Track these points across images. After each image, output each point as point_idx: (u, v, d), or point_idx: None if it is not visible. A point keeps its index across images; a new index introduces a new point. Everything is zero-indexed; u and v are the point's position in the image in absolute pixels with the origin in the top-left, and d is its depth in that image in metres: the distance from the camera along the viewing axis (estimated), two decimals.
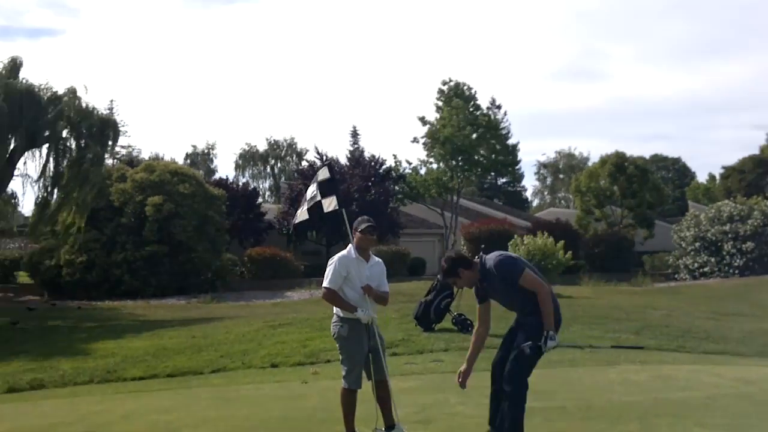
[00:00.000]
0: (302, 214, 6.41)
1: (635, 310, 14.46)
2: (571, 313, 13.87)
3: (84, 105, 22.97)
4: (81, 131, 22.99)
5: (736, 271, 30.20)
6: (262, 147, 78.64)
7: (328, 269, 5.67)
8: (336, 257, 5.72)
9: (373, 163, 36.37)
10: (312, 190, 6.33)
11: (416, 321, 11.90)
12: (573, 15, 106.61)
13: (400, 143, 74.84)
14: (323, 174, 6.36)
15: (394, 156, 48.53)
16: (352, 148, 44.20)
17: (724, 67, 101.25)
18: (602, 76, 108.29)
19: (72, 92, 22.75)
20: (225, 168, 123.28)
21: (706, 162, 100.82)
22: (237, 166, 78.20)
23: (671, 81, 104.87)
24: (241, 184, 38.97)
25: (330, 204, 6.19)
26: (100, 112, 23.99)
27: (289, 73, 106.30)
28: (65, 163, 23.02)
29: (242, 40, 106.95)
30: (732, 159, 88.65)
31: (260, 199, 40.35)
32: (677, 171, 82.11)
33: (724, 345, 10.75)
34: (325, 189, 6.25)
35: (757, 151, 43.26)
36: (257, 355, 10.93)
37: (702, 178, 77.88)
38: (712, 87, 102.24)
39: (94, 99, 65.33)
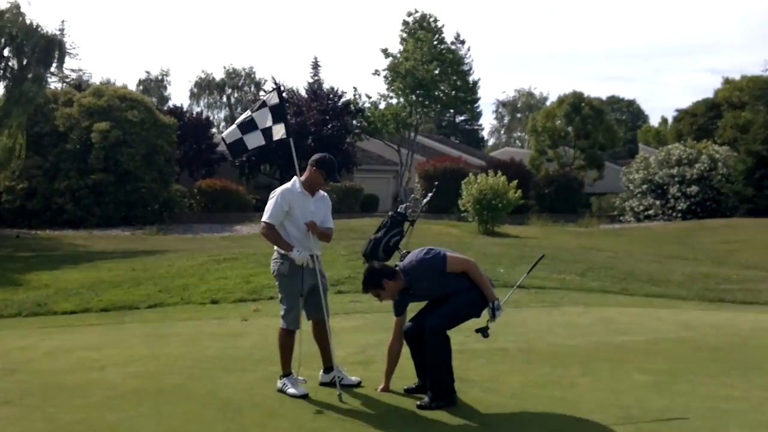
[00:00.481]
0: (256, 138, 5.95)
1: (581, 252, 14.58)
2: (518, 252, 13.95)
3: (28, 22, 21.74)
4: (23, 50, 21.79)
5: (680, 215, 30.80)
6: (219, 75, 76.40)
7: (269, 203, 5.40)
8: (278, 190, 5.45)
9: (331, 96, 35.65)
10: (259, 113, 5.88)
11: (364, 258, 11.70)
12: None
13: (362, 76, 74.08)
14: (273, 99, 6.01)
15: (354, 89, 47.58)
16: (312, 81, 43.09)
17: (684, 10, 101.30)
18: (565, 15, 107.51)
19: (16, 7, 21.49)
20: (179, 96, 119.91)
21: (660, 105, 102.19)
22: (192, 95, 76.01)
23: (632, 24, 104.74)
24: (195, 113, 37.81)
25: (279, 131, 5.86)
26: (46, 31, 22.73)
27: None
28: (4, 83, 21.91)
29: None
30: (685, 103, 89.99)
31: (214, 130, 39.34)
32: (631, 113, 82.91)
33: (666, 288, 10.90)
34: (275, 115, 5.87)
35: (711, 95, 43.57)
36: (198, 290, 10.65)
37: (655, 121, 78.95)
38: (672, 30, 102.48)
39: (42, 17, 62.13)
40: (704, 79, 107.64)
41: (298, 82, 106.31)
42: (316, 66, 63.23)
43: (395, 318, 5.12)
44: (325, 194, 5.67)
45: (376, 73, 39.12)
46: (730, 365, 5.70)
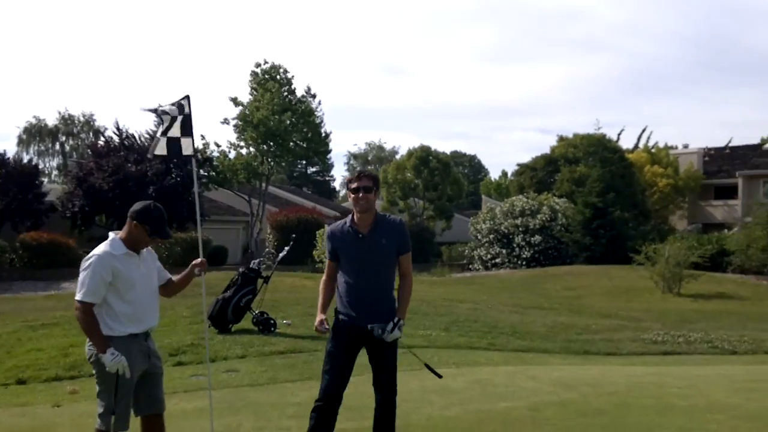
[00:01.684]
0: (160, 146, 5.17)
1: (442, 304, 14.16)
2: None
3: None
4: None
5: (524, 263, 31.91)
6: (52, 121, 71.21)
7: (82, 274, 4.05)
8: (93, 256, 4.10)
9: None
10: (169, 120, 5.12)
11: (210, 321, 10.47)
12: (386, 14, 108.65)
13: (210, 124, 71.83)
14: (184, 108, 5.14)
15: (202, 137, 45.80)
16: (156, 128, 40.86)
17: (520, 74, 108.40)
18: (410, 74, 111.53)
19: None
20: (6, 143, 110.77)
21: (498, 160, 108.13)
22: (20, 142, 70.22)
23: (472, 83, 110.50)
24: (25, 161, 34.47)
25: (188, 146, 5.16)
26: None
27: (89, 42, 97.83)
28: None
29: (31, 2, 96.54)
30: (520, 159, 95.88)
31: (44, 179, 36.05)
32: (473, 167, 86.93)
33: (531, 341, 10.59)
34: (185, 127, 5.13)
35: (548, 151, 46.10)
36: (2, 367, 8.86)
37: (495, 174, 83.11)
38: (508, 92, 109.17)
39: None
40: (535, 137, 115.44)
41: (141, 128, 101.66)
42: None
43: (329, 262, 4.60)
44: (150, 249, 4.41)
45: (225, 121, 37.85)
46: None
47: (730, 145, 46.90)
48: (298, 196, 47.85)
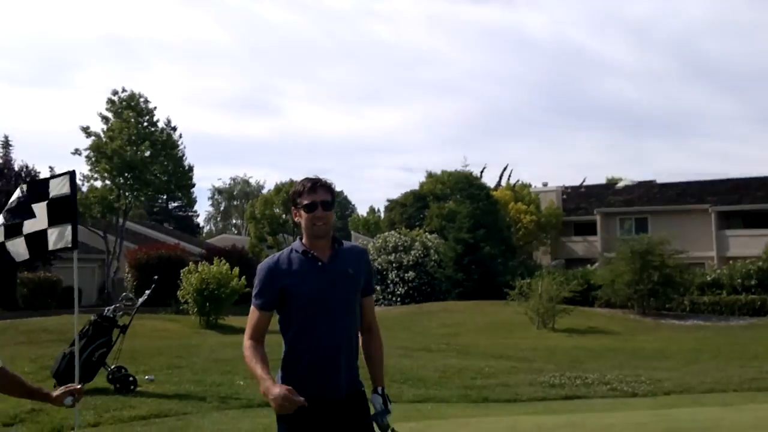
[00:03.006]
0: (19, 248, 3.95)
1: None
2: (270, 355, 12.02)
3: None
4: None
5: (398, 300, 31.57)
6: None
7: None
8: None
9: (23, 176, 30.82)
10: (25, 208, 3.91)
11: (56, 380, 8.83)
12: (247, 51, 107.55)
13: (60, 154, 66.46)
14: (59, 188, 3.72)
15: (51, 169, 42.34)
16: (1, 160, 37.30)
17: (380, 113, 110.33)
18: (275, 110, 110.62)
19: None
20: None
21: (365, 197, 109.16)
22: None
23: (336, 121, 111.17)
24: None
25: (60, 239, 4.05)
26: None
27: None
28: None
29: None
30: (385, 195, 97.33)
31: None
32: (339, 203, 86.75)
33: (426, 388, 9.77)
34: (59, 212, 4.00)
35: (414, 187, 46.55)
36: None
37: (362, 210, 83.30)
38: (371, 130, 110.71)
39: None
40: (398, 175, 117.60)
41: None
42: (7, 145, 55.91)
43: (258, 314, 3.19)
44: None
45: (77, 152, 35.05)
46: None
47: (585, 184, 49.35)
48: (159, 232, 45.18)
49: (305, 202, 3.11)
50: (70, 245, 3.95)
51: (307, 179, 3.19)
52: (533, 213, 42.26)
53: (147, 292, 9.80)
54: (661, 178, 45.25)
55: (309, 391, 2.92)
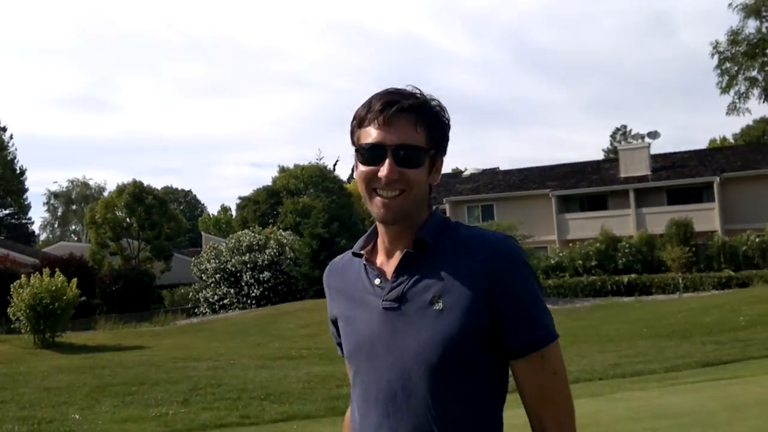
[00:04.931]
0: None
1: (175, 366, 11.95)
2: (96, 380, 10.70)
3: None
4: None
5: (254, 302, 30.47)
6: None
7: None
8: None
9: None
10: None
11: None
12: (84, 43, 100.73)
13: None
14: None
15: None
16: None
17: (226, 108, 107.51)
18: (115, 107, 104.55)
19: None
20: None
21: (215, 195, 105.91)
22: None
23: (181, 117, 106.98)
24: None
25: None
26: None
27: None
28: None
29: None
30: (236, 193, 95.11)
31: None
32: (188, 203, 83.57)
33: (288, 404, 8.99)
34: None
35: (267, 183, 45.47)
36: None
37: (213, 210, 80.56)
38: (217, 126, 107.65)
39: None
40: (249, 171, 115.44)
41: None
42: None
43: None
44: None
45: None
46: None
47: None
48: None
49: (363, 141, 1.54)
50: None
51: (384, 92, 1.55)
52: None
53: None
54: (504, 166, 47.09)
55: None
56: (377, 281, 1.55)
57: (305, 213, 37.28)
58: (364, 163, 1.53)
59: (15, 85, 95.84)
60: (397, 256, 1.54)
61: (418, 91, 1.55)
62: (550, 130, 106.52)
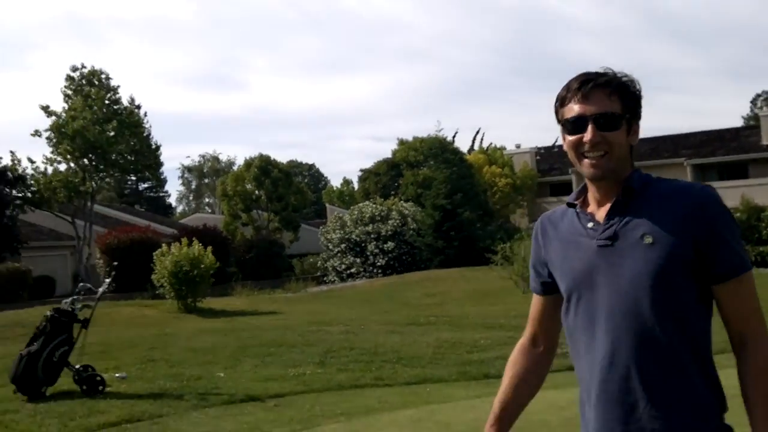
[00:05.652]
0: None
1: (309, 329, 12.43)
2: (237, 342, 11.33)
3: None
4: None
5: (379, 271, 31.00)
6: None
7: None
8: None
9: None
10: None
11: (15, 385, 8.05)
12: (209, 23, 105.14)
13: (20, 138, 64.35)
14: None
15: (12, 153, 40.88)
16: None
17: (347, 83, 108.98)
18: (240, 85, 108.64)
19: None
20: None
21: (337, 169, 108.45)
22: None
23: (303, 93, 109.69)
24: None
25: None
26: None
27: None
28: None
29: None
30: (357, 166, 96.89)
31: None
32: (312, 176, 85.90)
33: (421, 367, 9.17)
34: None
35: (387, 156, 45.81)
36: None
37: (335, 183, 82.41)
38: (339, 101, 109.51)
39: None
40: (369, 145, 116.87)
41: None
42: None
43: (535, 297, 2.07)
44: None
45: (37, 134, 33.61)
46: None
47: (558, 144, 49.00)
48: (130, 215, 43.93)
49: (567, 116, 1.83)
50: None
51: (580, 74, 1.84)
52: (508, 175, 41.86)
53: (106, 281, 8.99)
54: None
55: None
56: (590, 225, 1.84)
57: (426, 185, 37.29)
58: (570, 133, 1.83)
59: (148, 66, 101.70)
60: (607, 206, 1.82)
61: (610, 70, 1.84)
62: (684, 98, 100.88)
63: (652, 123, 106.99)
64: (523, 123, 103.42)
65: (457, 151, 43.44)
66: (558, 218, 1.95)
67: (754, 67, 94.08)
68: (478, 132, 50.58)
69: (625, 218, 1.77)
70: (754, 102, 65.94)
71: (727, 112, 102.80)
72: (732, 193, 32.38)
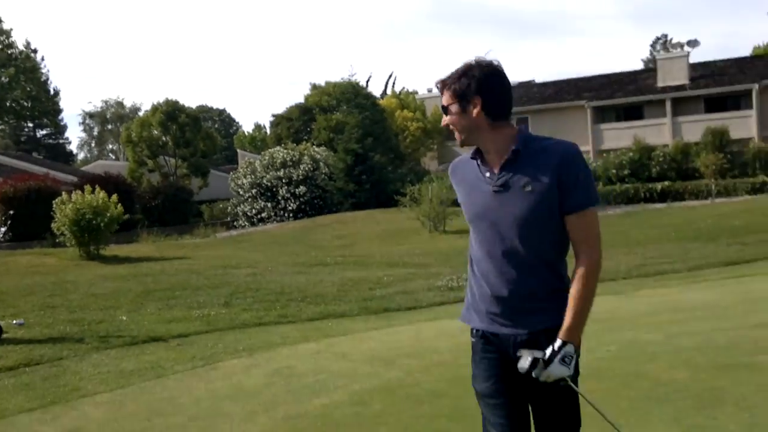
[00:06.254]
0: None
1: (215, 273, 12.49)
2: (141, 286, 11.27)
3: None
4: None
5: (291, 215, 31.12)
6: None
7: None
8: None
9: None
10: None
11: None
12: None
13: None
14: None
15: None
16: None
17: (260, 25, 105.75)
18: (131, 22, 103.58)
19: None
20: None
21: (248, 114, 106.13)
22: None
23: (219, 35, 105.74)
24: None
25: None
26: None
27: None
28: None
29: None
30: (271, 111, 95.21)
31: None
32: (223, 122, 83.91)
33: (324, 305, 9.44)
34: None
35: (302, 100, 45.15)
36: None
37: (248, 128, 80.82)
38: (251, 44, 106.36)
39: None
40: (284, 88, 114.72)
41: None
42: None
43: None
44: None
45: None
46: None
47: None
48: (27, 162, 41.85)
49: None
50: None
51: (437, 81, 2.56)
52: (419, 120, 42.20)
53: (2, 229, 8.81)
54: (540, 78, 46.16)
55: (481, 326, 2.55)
56: (487, 174, 2.47)
57: (339, 129, 37.25)
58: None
59: (45, 6, 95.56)
60: (499, 160, 2.45)
61: (453, 71, 2.49)
62: (589, 41, 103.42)
63: (561, 67, 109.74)
64: (438, 67, 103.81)
65: (369, 96, 43.35)
66: (464, 164, 2.59)
67: (656, 10, 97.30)
68: (390, 76, 50.57)
69: (512, 171, 2.41)
70: (653, 46, 68.48)
71: (630, 56, 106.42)
72: (627, 134, 33.94)
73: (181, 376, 5.95)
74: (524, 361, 2.32)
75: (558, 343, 2.31)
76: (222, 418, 4.73)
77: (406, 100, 44.43)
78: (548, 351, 2.31)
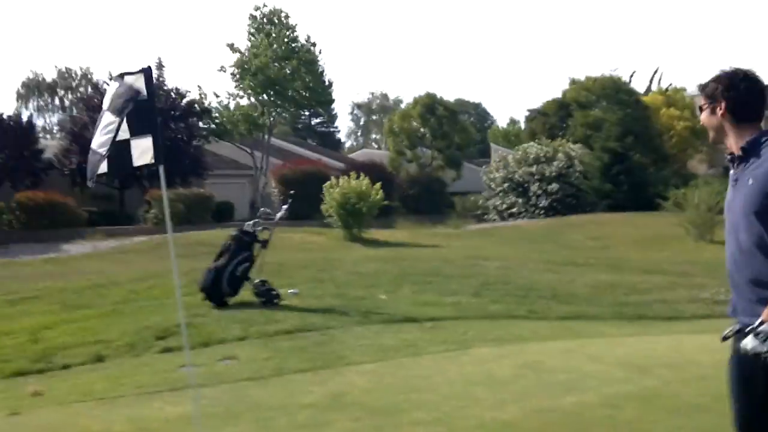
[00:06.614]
0: (99, 164, 3.75)
1: (466, 263, 12.84)
2: (398, 269, 11.97)
3: None
4: None
5: (542, 212, 30.67)
6: (50, 76, 69.46)
7: None
8: None
9: (174, 96, 32.38)
10: (111, 119, 3.54)
11: (204, 294, 9.16)
12: None
13: (207, 74, 69.84)
14: (133, 88, 3.48)
15: (199, 87, 44.34)
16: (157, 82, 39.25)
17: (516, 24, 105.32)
18: (408, 18, 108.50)
19: None
20: (4, 100, 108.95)
21: (504, 108, 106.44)
22: (19, 97, 68.52)
23: (463, 32, 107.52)
24: (24, 117, 33.19)
25: (143, 153, 3.65)
26: None
27: None
28: None
29: None
30: (526, 105, 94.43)
31: (46, 135, 34.79)
32: (478, 115, 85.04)
33: (576, 305, 9.29)
34: (139, 121, 3.55)
35: (559, 95, 44.20)
36: None
37: (502, 123, 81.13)
38: (508, 42, 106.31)
39: None
40: (541, 83, 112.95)
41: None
42: (160, 66, 58.82)
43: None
44: None
45: (222, 69, 36.12)
46: None
47: None
48: (302, 148, 46.31)
49: None
50: (153, 161, 3.54)
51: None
52: (687, 119, 39.15)
53: (284, 207, 9.92)
54: None
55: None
56: (732, 172, 2.69)
57: (597, 126, 35.93)
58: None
59: (325, 3, 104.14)
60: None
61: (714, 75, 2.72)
62: None
63: None
64: (710, 61, 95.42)
65: (632, 92, 41.18)
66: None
67: None
68: (656, 72, 47.48)
69: (743, 168, 2.60)
70: None
71: None
72: None
73: (434, 357, 6.26)
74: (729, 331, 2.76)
75: (759, 320, 2.45)
76: (473, 402, 4.90)
77: (673, 97, 41.46)
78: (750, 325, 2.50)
